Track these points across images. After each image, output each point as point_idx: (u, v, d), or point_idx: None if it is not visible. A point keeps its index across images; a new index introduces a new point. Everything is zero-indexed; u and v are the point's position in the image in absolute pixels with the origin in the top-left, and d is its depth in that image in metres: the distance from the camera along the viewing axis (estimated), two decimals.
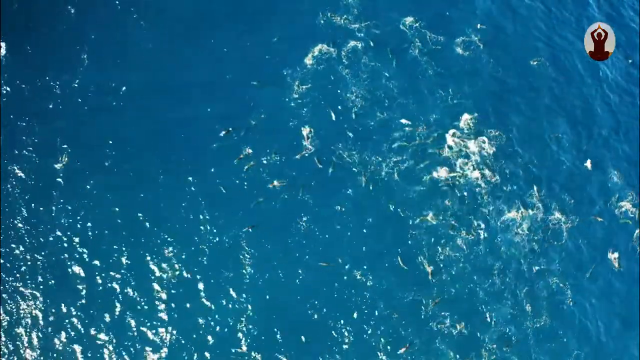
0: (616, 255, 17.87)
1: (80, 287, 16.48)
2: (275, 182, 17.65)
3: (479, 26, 20.41)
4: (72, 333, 16.10)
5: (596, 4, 21.65)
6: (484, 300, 16.98)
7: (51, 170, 17.53)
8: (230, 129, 18.19)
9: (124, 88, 18.59)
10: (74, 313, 16.23)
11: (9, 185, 17.33)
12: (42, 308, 16.27)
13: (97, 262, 16.69)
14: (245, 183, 17.69)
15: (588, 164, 19.00)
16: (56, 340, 16.05)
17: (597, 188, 18.80)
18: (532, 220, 17.95)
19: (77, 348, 15.99)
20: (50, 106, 18.22)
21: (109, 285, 16.51)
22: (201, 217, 17.27)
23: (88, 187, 17.44)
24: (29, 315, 16.21)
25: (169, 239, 16.99)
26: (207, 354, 16.01)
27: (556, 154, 19.10)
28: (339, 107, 18.78)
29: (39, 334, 16.09)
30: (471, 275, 17.19)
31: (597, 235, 18.17)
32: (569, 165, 18.98)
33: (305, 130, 18.26)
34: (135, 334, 16.16)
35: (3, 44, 18.67)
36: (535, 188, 18.32)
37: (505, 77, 19.88)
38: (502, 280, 17.22)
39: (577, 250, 17.89)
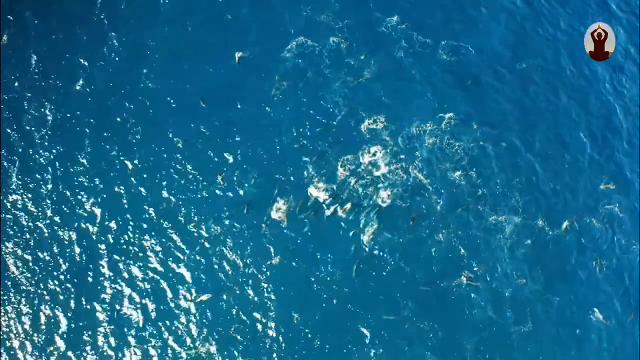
0: (604, 262, 17.57)
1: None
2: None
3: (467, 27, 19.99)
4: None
5: (596, 4, 21.02)
6: (465, 305, 16.75)
7: None
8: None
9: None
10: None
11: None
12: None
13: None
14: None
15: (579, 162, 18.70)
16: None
17: (588, 194, 18.34)
18: (516, 225, 17.60)
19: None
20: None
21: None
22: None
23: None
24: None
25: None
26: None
27: (544, 156, 18.61)
28: (320, 106, 18.53)
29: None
30: (453, 275, 16.99)
31: (583, 242, 17.78)
32: (559, 169, 18.51)
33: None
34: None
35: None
36: (519, 192, 17.92)
37: (495, 78, 19.41)
38: (485, 283, 16.95)
39: (562, 256, 17.54)
